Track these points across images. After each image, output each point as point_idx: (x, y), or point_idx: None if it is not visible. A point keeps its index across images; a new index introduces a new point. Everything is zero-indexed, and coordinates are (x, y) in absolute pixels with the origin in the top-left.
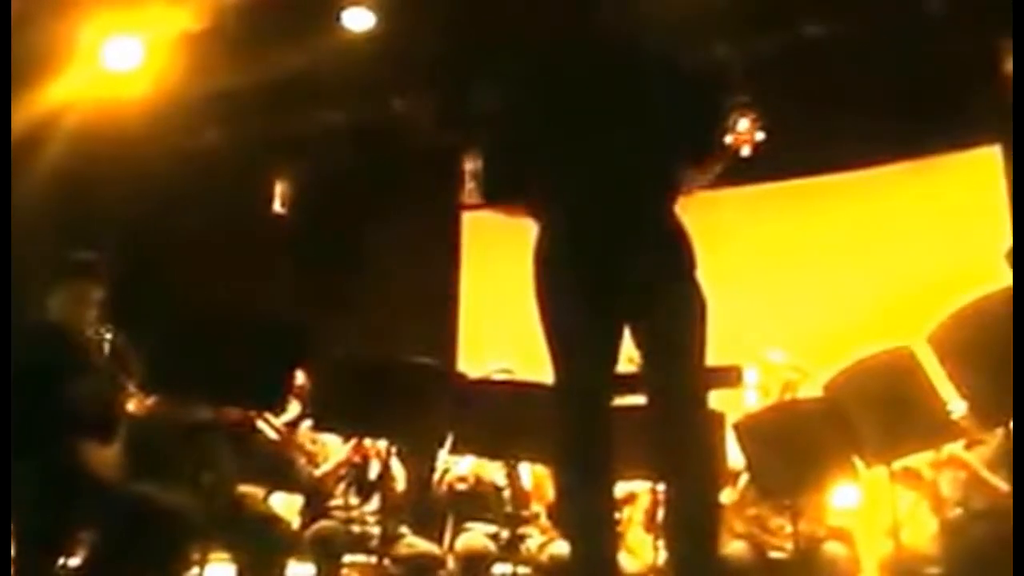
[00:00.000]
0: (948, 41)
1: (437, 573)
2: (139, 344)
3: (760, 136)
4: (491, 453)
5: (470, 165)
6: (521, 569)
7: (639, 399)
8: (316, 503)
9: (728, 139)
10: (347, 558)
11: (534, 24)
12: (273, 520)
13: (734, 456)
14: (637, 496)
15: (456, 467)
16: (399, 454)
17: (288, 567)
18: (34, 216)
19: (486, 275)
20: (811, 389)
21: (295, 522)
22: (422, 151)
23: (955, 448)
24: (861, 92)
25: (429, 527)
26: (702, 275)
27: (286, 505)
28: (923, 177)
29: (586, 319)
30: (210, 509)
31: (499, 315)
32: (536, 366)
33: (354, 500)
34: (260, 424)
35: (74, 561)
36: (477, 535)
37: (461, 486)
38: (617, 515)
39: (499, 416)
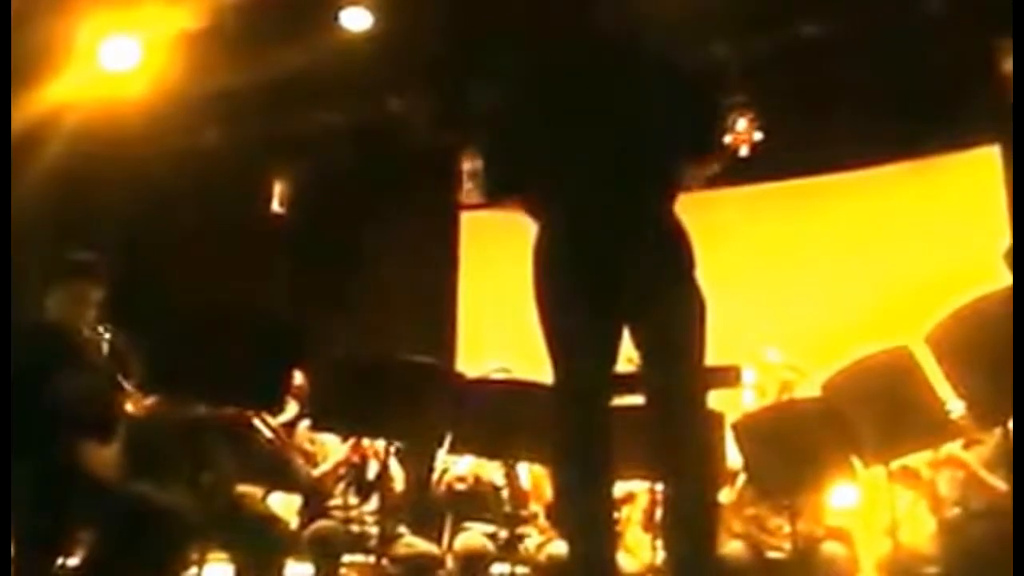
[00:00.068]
0: (946, 41)
1: (436, 573)
2: (138, 344)
3: (758, 136)
4: (490, 453)
5: (469, 165)
6: (519, 569)
7: (638, 399)
8: (315, 503)
9: (727, 139)
10: (346, 558)
11: (533, 23)
12: (272, 520)
13: (732, 456)
14: (636, 496)
15: (455, 467)
16: (397, 454)
17: (287, 567)
18: (32, 216)
19: (484, 275)
20: (809, 389)
21: (294, 522)
22: (420, 151)
23: (953, 448)
24: (859, 92)
25: (428, 527)
26: (700, 275)
27: (285, 505)
28: (921, 177)
29: (585, 319)
30: (209, 509)
31: (497, 315)
32: (535, 366)
33: (353, 500)
34: (257, 423)
35: (73, 561)
36: (475, 535)
37: (460, 486)
38: (615, 515)
39: (498, 416)
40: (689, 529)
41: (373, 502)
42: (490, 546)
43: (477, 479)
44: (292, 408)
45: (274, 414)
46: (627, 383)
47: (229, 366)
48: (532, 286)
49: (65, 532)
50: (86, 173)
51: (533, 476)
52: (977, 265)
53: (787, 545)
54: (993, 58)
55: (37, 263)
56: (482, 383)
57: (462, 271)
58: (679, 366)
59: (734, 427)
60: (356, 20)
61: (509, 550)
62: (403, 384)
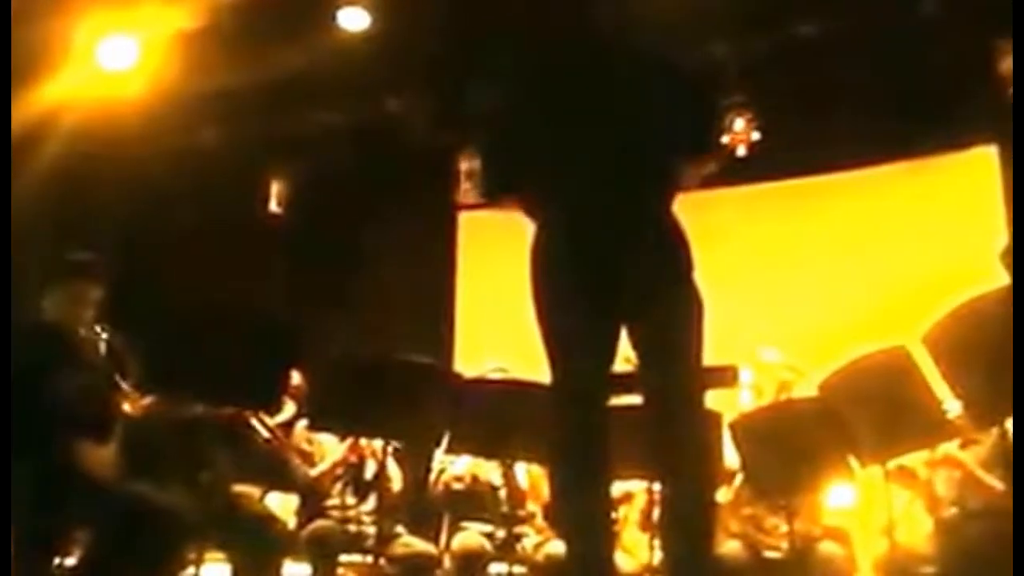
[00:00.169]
0: (944, 41)
1: (433, 573)
2: (135, 344)
3: (756, 136)
4: (487, 453)
5: (467, 165)
6: (517, 569)
7: (636, 399)
8: (312, 503)
9: (724, 139)
10: (343, 558)
11: (531, 23)
12: (269, 520)
13: (730, 456)
14: (633, 496)
15: (452, 467)
16: (395, 454)
17: (284, 567)
18: (30, 216)
19: (482, 275)
20: (806, 389)
21: (291, 522)
22: (418, 151)
23: (950, 447)
24: (857, 92)
25: (425, 527)
26: (698, 275)
27: (282, 505)
28: (919, 177)
29: (583, 319)
30: (206, 509)
31: (495, 315)
32: (532, 366)
33: (350, 500)
34: (254, 423)
35: (70, 560)
36: (473, 535)
37: (457, 486)
38: (613, 515)
39: (495, 416)
40: (686, 529)
41: (370, 502)
42: (487, 546)
43: (475, 479)
44: (290, 408)
45: (271, 414)
46: (625, 383)
47: (226, 366)
48: (530, 286)
49: (62, 532)
50: (84, 173)
51: (531, 476)
52: (974, 265)
53: (784, 545)
54: (991, 58)
55: (36, 263)
56: (480, 383)
57: (460, 271)
58: (677, 366)
59: (731, 427)
60: (354, 20)
61: (506, 550)
62: (401, 384)
